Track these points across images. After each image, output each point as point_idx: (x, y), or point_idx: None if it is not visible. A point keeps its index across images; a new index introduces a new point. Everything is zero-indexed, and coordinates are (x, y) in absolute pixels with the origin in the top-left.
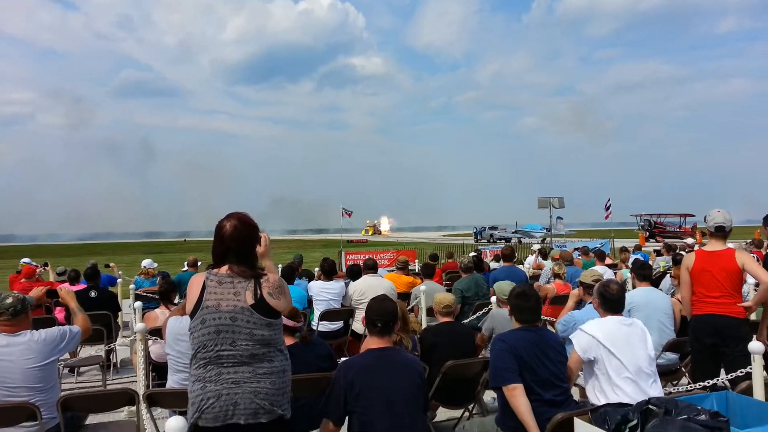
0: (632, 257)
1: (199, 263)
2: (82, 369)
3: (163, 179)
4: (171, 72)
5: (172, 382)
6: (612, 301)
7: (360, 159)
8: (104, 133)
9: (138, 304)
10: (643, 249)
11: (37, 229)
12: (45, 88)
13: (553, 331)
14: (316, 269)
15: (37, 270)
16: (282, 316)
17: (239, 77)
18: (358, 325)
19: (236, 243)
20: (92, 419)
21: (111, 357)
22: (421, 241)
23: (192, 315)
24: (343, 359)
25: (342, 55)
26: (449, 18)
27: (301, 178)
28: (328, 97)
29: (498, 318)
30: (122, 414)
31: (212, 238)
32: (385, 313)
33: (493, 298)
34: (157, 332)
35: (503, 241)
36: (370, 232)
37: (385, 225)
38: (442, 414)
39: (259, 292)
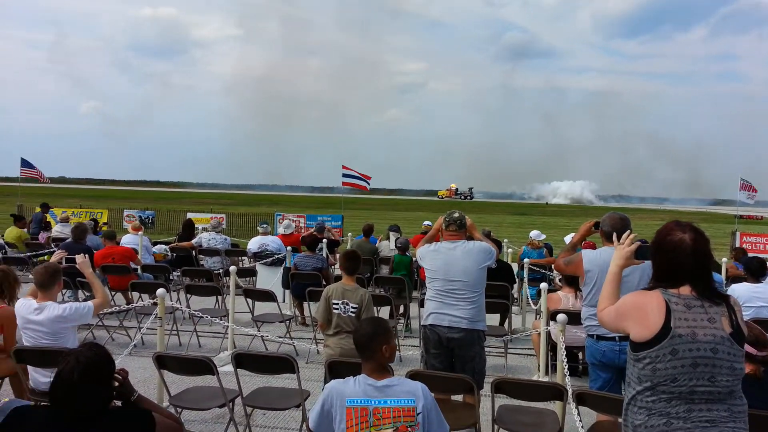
0: None
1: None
2: None
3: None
4: (548, 32)
5: None
6: None
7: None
8: (485, 95)
9: (543, 285)
10: None
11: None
12: (434, 58)
13: None
14: None
15: None
16: None
17: (619, 31)
18: None
19: (699, 260)
20: None
21: (505, 325)
22: None
23: (653, 341)
24: None
25: None
26: None
27: (683, 137)
28: (723, 44)
29: None
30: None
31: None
32: None
33: None
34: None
35: None
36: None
37: None
38: None
39: (734, 318)
